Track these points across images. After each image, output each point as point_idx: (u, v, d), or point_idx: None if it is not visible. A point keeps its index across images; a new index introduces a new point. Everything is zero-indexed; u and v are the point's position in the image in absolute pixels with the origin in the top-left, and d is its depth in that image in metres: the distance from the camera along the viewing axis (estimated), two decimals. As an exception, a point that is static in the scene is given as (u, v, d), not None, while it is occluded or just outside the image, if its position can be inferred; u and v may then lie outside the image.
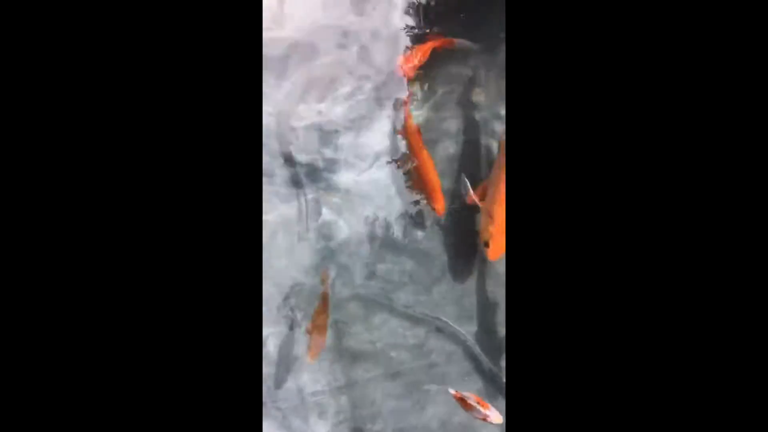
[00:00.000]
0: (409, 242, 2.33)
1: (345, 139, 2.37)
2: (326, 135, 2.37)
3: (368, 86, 2.40)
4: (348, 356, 2.25)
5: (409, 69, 2.41)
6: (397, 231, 2.34)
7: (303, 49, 2.37)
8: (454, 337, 2.27)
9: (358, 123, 2.39)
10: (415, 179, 2.35)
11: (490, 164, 2.34)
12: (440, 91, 2.46)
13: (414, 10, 2.48)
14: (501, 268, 2.28)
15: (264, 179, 2.29)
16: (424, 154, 2.29)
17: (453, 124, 2.43)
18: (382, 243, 2.33)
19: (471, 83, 2.47)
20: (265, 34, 2.16)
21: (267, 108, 2.30)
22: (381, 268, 2.31)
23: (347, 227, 2.32)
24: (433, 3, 2.48)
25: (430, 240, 2.33)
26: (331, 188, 2.36)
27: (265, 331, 2.22)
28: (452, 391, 2.00)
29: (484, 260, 2.26)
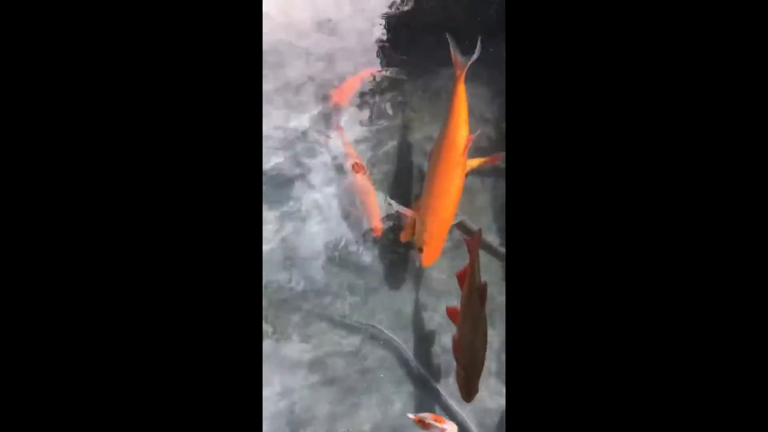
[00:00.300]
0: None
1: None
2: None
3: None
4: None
5: (344, 98, 2.67)
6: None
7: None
8: (388, 344, 2.32)
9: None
10: (356, 202, 2.51)
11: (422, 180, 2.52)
12: (375, 116, 2.71)
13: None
14: (435, 274, 2.40)
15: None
16: (363, 177, 2.45)
17: (389, 147, 2.65)
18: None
19: (403, 108, 2.74)
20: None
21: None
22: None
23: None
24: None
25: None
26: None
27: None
28: (411, 416, 2.05)
29: (418, 268, 2.38)
